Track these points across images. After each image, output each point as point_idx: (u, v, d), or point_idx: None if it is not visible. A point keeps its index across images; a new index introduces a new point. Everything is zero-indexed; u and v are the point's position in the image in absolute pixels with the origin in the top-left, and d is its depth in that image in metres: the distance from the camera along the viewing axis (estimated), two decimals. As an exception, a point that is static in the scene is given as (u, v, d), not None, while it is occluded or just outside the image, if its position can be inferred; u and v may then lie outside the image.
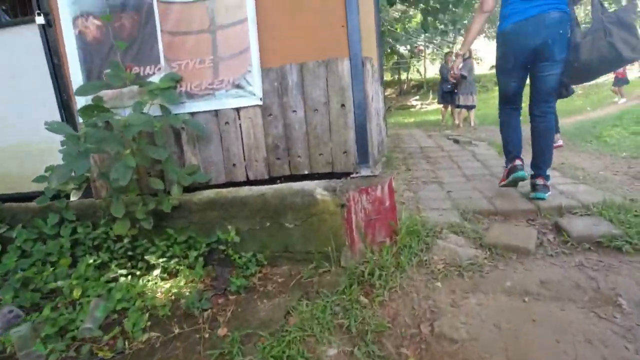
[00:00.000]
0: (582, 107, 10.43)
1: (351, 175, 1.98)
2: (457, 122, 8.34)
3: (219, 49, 2.01)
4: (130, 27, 2.10)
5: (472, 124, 8.14)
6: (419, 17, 12.46)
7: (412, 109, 18.25)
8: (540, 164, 2.39)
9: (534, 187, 2.38)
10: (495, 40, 2.49)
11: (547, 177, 2.41)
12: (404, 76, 23.33)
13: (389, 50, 20.55)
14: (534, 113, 2.37)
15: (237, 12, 1.96)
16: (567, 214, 2.22)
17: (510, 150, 2.50)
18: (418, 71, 23.58)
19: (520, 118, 2.53)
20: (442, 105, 9.13)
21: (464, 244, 2.00)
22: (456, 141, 5.05)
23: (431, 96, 18.74)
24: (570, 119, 8.75)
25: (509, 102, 2.48)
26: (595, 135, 5.78)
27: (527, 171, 2.44)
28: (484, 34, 22.42)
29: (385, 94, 23.36)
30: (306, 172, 2.05)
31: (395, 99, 21.61)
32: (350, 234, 1.93)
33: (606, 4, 2.58)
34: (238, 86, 2.02)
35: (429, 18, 9.46)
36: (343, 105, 1.92)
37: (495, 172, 3.23)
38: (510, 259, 1.87)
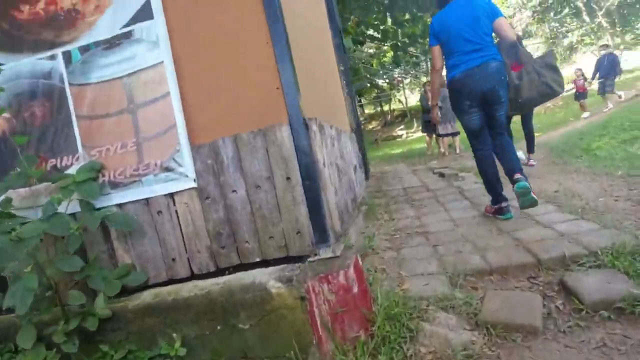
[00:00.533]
0: (566, 119, 10.39)
1: (309, 259, 1.66)
2: (442, 150, 8.17)
3: (141, 129, 1.75)
4: (42, 115, 1.84)
5: (458, 150, 7.96)
6: (391, 53, 12.70)
7: (399, 139, 18.29)
8: (513, 167, 2.64)
9: (515, 181, 2.56)
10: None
11: (521, 171, 2.62)
12: (386, 107, 23.66)
13: (369, 85, 20.98)
14: (494, 144, 2.75)
15: (158, 87, 1.72)
16: (572, 264, 1.88)
17: (493, 184, 2.76)
18: (400, 101, 23.96)
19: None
20: (426, 134, 9.01)
21: (455, 324, 1.63)
22: (442, 175, 4.78)
23: (415, 124, 18.87)
24: (557, 131, 8.64)
25: (478, 137, 2.75)
26: (584, 149, 5.55)
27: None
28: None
29: (370, 127, 23.66)
30: (257, 260, 1.72)
31: (381, 130, 21.76)
32: (316, 331, 1.57)
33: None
34: (167, 169, 1.73)
35: (399, 52, 9.59)
36: (289, 178, 1.63)
37: (483, 211, 2.93)
38: (515, 342, 1.50)
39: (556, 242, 2.09)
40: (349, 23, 7.92)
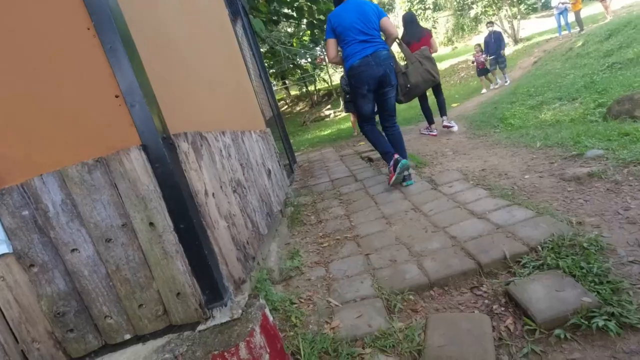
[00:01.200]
0: (479, 87, 10.92)
1: (199, 328, 1.20)
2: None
3: None
4: None
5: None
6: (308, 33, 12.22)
7: (327, 119, 18.09)
8: (404, 154, 3.19)
9: (403, 178, 3.12)
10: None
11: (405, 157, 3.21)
12: (312, 88, 23.27)
13: (291, 66, 20.31)
14: (385, 125, 3.20)
15: None
16: (514, 266, 1.68)
17: (386, 149, 3.13)
18: (324, 80, 23.71)
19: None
20: (350, 114, 8.80)
21: (398, 373, 1.32)
22: (370, 160, 4.55)
23: (341, 103, 18.80)
24: (471, 102, 8.99)
25: (367, 120, 3.17)
26: (500, 118, 5.72)
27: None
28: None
29: (298, 108, 23.16)
30: (128, 337, 1.22)
31: (308, 112, 21.37)
32: None
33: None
34: (-41, 231, 1.13)
35: (316, 31, 9.14)
36: (152, 223, 1.14)
37: (415, 202, 2.70)
38: (468, 388, 1.23)
39: (494, 239, 1.89)
40: (260, 0, 7.22)
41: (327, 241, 2.51)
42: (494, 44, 10.13)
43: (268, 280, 1.84)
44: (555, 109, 5.70)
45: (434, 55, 4.59)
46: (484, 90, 10.21)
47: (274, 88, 25.70)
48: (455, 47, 23.86)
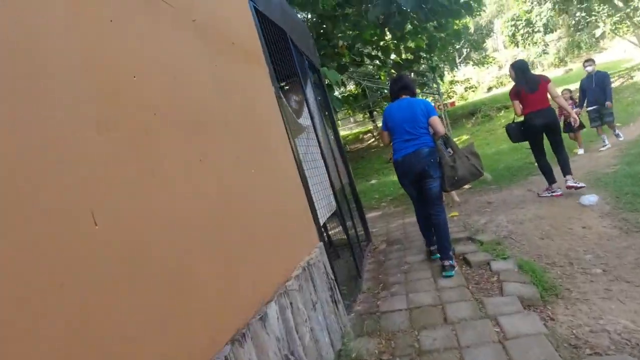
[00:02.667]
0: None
1: None
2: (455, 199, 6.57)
3: None
4: None
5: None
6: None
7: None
8: (443, 249, 3.30)
9: (443, 268, 3.24)
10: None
11: (451, 258, 3.26)
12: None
13: (379, 99, 19.58)
14: (430, 212, 3.41)
15: None
16: None
17: (425, 237, 3.76)
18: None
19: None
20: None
21: None
22: (466, 262, 3.36)
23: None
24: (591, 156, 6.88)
25: (416, 201, 3.58)
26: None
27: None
28: (471, 63, 21.38)
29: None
30: None
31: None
32: None
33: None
34: None
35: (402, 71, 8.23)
36: None
37: None
38: None
39: None
40: (339, 47, 6.63)
41: None
42: (596, 89, 7.08)
43: None
44: None
45: (554, 106, 4.64)
46: (580, 151, 7.22)
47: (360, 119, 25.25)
48: (570, 70, 20.44)
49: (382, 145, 21.96)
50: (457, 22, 7.98)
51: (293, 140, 2.58)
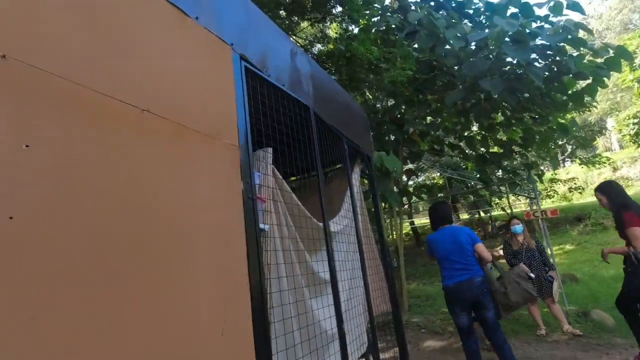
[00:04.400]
0: None
1: None
2: (566, 327, 4.79)
3: None
4: None
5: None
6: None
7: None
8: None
9: None
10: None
11: None
12: (485, 216, 19.75)
13: (464, 189, 17.85)
14: (492, 338, 3.31)
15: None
16: None
17: None
18: (503, 209, 19.91)
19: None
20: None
21: None
22: None
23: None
24: None
25: (465, 334, 3.37)
26: None
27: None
28: (578, 162, 18.76)
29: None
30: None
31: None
32: None
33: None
34: None
35: (489, 167, 6.99)
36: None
37: None
38: None
39: None
40: (410, 134, 5.78)
41: None
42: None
43: None
44: None
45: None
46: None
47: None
48: None
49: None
50: (561, 116, 6.65)
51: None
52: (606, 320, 5.05)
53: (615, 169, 24.79)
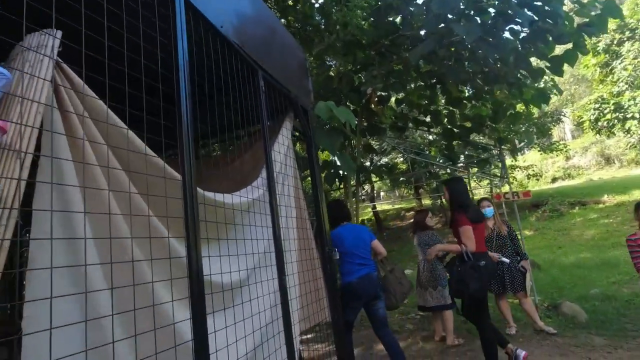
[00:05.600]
0: None
1: None
2: (540, 324, 4.19)
3: None
4: None
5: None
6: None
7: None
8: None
9: None
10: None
11: None
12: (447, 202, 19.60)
13: (427, 174, 17.45)
14: (379, 334, 3.40)
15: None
16: None
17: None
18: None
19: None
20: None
21: None
22: None
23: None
24: None
25: (349, 330, 3.38)
26: None
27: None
28: (536, 147, 18.99)
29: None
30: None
31: (441, 229, 17.54)
32: None
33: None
34: None
35: (455, 143, 6.30)
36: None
37: None
38: None
39: None
40: (367, 95, 4.83)
41: None
42: None
43: None
44: None
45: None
46: None
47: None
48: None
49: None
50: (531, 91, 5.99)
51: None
52: (579, 315, 4.51)
53: (568, 158, 25.58)
